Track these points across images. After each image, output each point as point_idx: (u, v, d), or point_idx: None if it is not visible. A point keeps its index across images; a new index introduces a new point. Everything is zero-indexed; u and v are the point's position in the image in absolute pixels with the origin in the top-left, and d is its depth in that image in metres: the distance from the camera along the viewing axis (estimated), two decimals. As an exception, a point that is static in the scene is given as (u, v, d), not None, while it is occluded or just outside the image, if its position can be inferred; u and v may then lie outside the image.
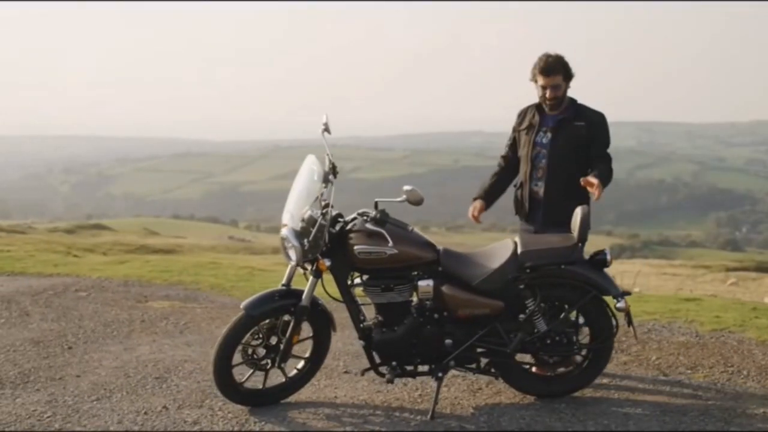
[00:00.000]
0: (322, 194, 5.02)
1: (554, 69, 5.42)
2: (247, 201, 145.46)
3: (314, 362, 5.33)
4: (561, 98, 5.49)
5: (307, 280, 5.19)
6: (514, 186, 5.78)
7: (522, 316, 5.08)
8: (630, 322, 5.10)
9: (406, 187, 4.94)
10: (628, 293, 5.14)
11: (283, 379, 5.25)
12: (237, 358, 5.13)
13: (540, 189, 5.57)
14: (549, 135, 5.54)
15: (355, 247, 4.98)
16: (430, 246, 5.10)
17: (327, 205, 4.96)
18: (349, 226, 5.08)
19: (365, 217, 5.05)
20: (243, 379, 5.20)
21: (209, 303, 8.94)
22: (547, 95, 5.46)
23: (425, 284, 5.03)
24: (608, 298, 5.16)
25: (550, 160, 5.51)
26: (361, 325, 5.12)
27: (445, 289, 5.01)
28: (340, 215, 5.12)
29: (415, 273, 5.07)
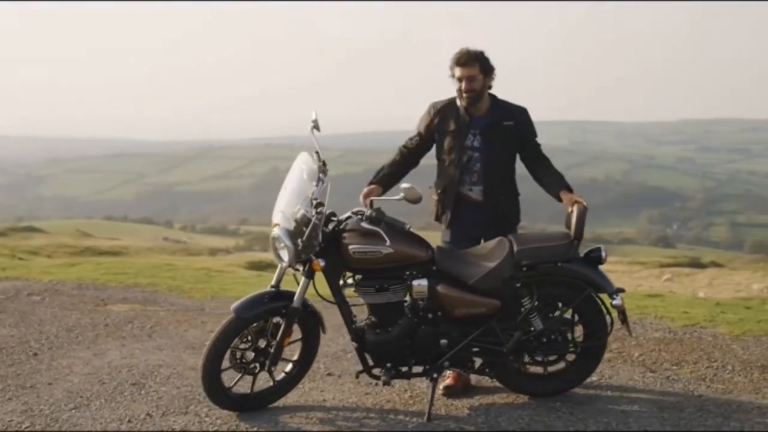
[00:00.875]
0: (313, 193, 4.86)
1: (470, 60, 5.25)
2: (182, 201, 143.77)
3: (303, 365, 5.18)
4: (478, 92, 5.29)
5: (297, 281, 5.02)
6: (434, 189, 5.54)
7: (518, 315, 5.00)
8: (625, 319, 5.06)
9: (404, 185, 4.81)
10: (623, 290, 5.09)
11: (271, 383, 5.09)
12: (225, 362, 4.96)
13: (474, 193, 5.39)
14: (480, 138, 5.36)
15: (350, 247, 4.84)
16: (425, 244, 4.99)
17: (320, 204, 4.81)
18: (342, 225, 4.95)
19: (360, 216, 4.92)
20: (231, 384, 5.02)
21: (170, 305, 8.72)
22: (463, 87, 5.27)
23: (420, 284, 4.92)
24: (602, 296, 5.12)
25: (486, 164, 5.34)
26: (354, 327, 4.99)
27: (440, 288, 4.91)
28: (333, 214, 4.97)
29: (410, 272, 4.95)
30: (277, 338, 4.92)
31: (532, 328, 5.02)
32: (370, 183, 5.44)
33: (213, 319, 7.83)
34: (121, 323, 7.60)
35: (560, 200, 5.22)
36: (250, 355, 4.98)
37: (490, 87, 5.41)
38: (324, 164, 4.93)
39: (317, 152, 4.97)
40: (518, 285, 4.96)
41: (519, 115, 5.43)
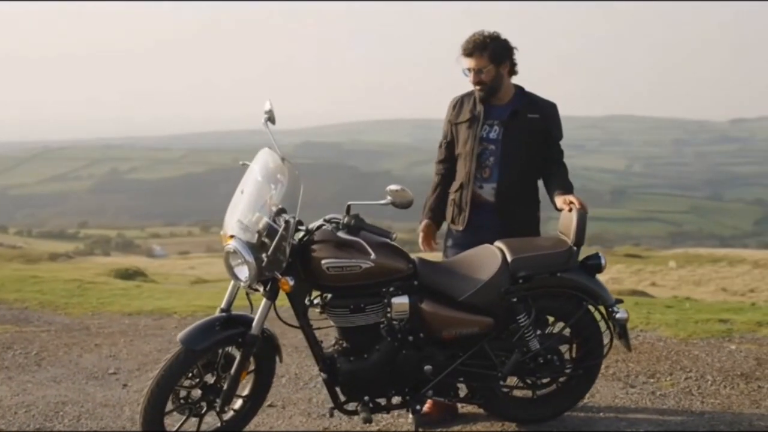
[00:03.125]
0: (271, 197, 4.02)
1: (476, 49, 4.59)
2: (17, 205, 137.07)
3: (255, 401, 4.32)
4: (489, 85, 4.64)
5: (251, 302, 4.19)
6: (450, 189, 4.90)
7: (513, 333, 4.34)
8: (625, 334, 4.48)
9: (392, 187, 4.01)
10: (621, 301, 4.52)
11: (219, 424, 4.21)
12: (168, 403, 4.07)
13: (485, 192, 4.73)
14: (498, 129, 4.70)
15: (323, 261, 4.02)
16: (405, 256, 4.23)
17: (282, 211, 3.95)
18: (310, 236, 4.12)
19: (335, 224, 4.10)
20: (174, 430, 4.14)
21: (48, 325, 7.63)
22: (471, 80, 4.67)
23: (400, 302, 4.14)
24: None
25: (502, 158, 4.68)
26: (322, 355, 4.20)
27: (425, 306, 4.16)
28: (300, 222, 4.11)
29: (386, 289, 4.16)
30: (232, 372, 4.06)
31: (529, 349, 4.36)
32: (423, 220, 4.95)
33: (107, 340, 6.85)
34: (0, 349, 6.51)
35: (556, 207, 4.60)
36: (197, 393, 4.12)
37: (513, 73, 4.73)
38: (284, 161, 4.09)
39: (274, 148, 4.14)
40: (514, 300, 4.29)
41: (547, 109, 4.77)
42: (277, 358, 4.31)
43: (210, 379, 4.13)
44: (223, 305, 4.16)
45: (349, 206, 4.05)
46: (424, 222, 4.93)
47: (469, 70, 4.63)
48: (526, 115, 4.69)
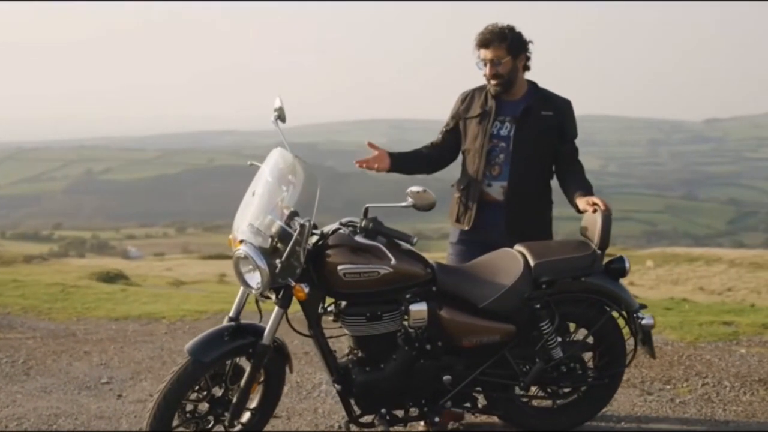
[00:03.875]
0: (282, 199, 3.78)
1: (494, 39, 4.40)
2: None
3: (264, 413, 4.09)
4: (506, 78, 4.44)
5: (259, 311, 3.97)
6: (456, 186, 4.69)
7: (535, 341, 4.14)
8: (649, 340, 4.30)
9: (414, 188, 3.78)
10: (645, 306, 4.33)
11: (226, 439, 3.99)
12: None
13: (494, 190, 4.52)
14: (510, 126, 4.49)
15: (339, 267, 3.78)
16: (423, 260, 4.01)
17: (294, 214, 3.72)
18: (324, 240, 3.88)
19: (352, 227, 3.87)
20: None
21: (32, 331, 7.34)
22: (487, 72, 4.45)
23: (419, 309, 3.91)
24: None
25: (513, 156, 4.47)
26: (336, 365, 3.98)
27: (444, 313, 3.95)
28: (314, 226, 3.84)
29: (405, 295, 3.94)
30: (242, 384, 3.83)
31: (553, 357, 4.17)
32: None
33: (96, 347, 6.60)
34: (-16, 358, 6.24)
35: (577, 209, 4.39)
36: (204, 406, 3.89)
37: (527, 69, 4.53)
38: (298, 162, 3.84)
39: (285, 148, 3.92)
40: (537, 306, 4.09)
41: (561, 106, 4.56)
42: (288, 369, 4.09)
43: (218, 391, 3.90)
44: (231, 314, 3.92)
45: (366, 209, 3.82)
46: (385, 153, 4.56)
47: (484, 62, 4.44)
48: (539, 112, 4.49)
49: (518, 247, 4.21)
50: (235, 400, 3.84)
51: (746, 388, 5.19)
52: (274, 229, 3.68)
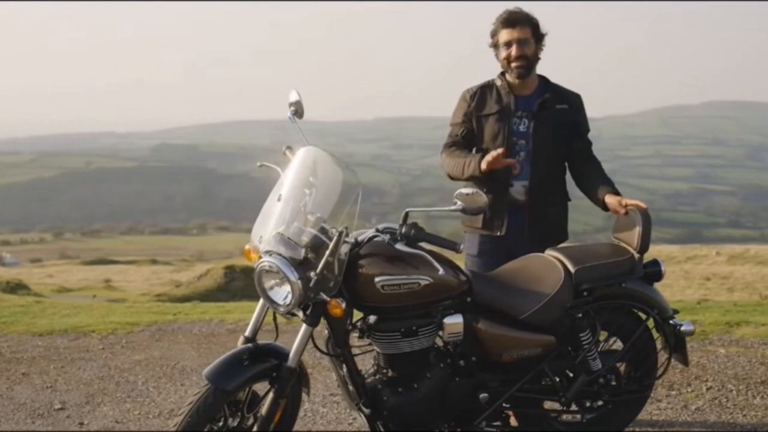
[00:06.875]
0: (305, 204, 3.34)
1: (521, 20, 4.17)
2: None
3: (279, 440, 3.66)
4: (530, 61, 4.20)
5: (276, 329, 3.52)
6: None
7: (575, 353, 3.82)
8: (683, 348, 4.05)
9: (464, 191, 3.30)
10: (677, 311, 4.07)
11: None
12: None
13: (515, 190, 4.25)
14: (527, 122, 4.23)
15: (377, 279, 3.34)
16: (459, 270, 3.61)
17: (321, 220, 3.28)
18: (357, 249, 3.41)
19: (391, 234, 3.41)
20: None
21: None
22: (513, 52, 4.16)
23: (454, 322, 3.51)
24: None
25: (533, 154, 4.22)
26: (365, 386, 3.57)
27: (482, 326, 3.56)
28: (346, 233, 3.32)
29: (439, 308, 3.54)
30: (263, 412, 3.37)
31: (591, 369, 3.85)
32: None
33: (33, 368, 5.99)
34: None
35: (604, 207, 4.12)
36: (222, 438, 3.42)
37: (538, 60, 4.25)
38: (340, 164, 3.39)
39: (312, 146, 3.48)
40: (579, 315, 3.77)
41: (574, 100, 4.33)
42: (305, 393, 3.65)
43: (234, 420, 3.44)
44: (247, 333, 3.44)
45: (406, 213, 3.36)
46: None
47: (508, 43, 4.16)
48: (554, 106, 4.26)
49: (551, 252, 3.89)
50: (257, 428, 3.38)
51: (753, 391, 5.01)
52: (306, 238, 3.23)
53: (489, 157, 4.00)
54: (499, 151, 4.01)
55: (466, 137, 4.38)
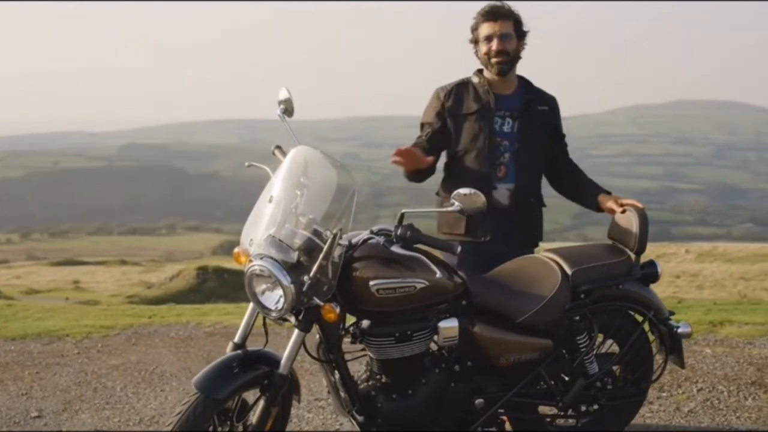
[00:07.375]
0: (296, 206, 3.23)
1: (504, 14, 4.01)
2: None
3: (268, 449, 3.54)
4: (512, 57, 4.04)
5: (266, 334, 3.40)
6: (443, 194, 4.19)
7: (572, 356, 3.74)
8: (680, 350, 3.98)
9: (462, 191, 3.20)
10: (673, 313, 4.01)
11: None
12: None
13: (499, 194, 4.06)
14: (511, 122, 4.08)
15: (372, 282, 3.23)
16: (455, 272, 3.52)
17: (313, 222, 3.18)
18: (350, 251, 3.29)
19: (385, 237, 3.31)
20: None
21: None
22: (494, 47, 3.98)
23: (449, 326, 3.42)
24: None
25: (520, 156, 4.07)
26: (358, 392, 3.47)
27: (478, 330, 3.46)
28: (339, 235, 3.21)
29: (433, 311, 3.44)
30: (255, 421, 3.26)
31: (588, 373, 3.77)
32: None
33: (7, 374, 5.86)
34: None
35: (597, 208, 4.04)
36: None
37: (519, 59, 4.11)
38: (334, 164, 3.30)
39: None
40: (576, 318, 3.69)
41: (552, 102, 4.22)
42: (295, 400, 3.54)
43: (223, 429, 3.32)
44: (236, 339, 3.32)
45: (402, 215, 3.26)
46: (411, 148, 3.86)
47: (489, 37, 4.00)
48: (537, 107, 4.13)
49: (547, 253, 3.81)
50: (247, 439, 3.26)
51: (744, 392, 4.97)
52: (298, 241, 3.12)
53: (397, 150, 3.71)
54: (408, 146, 3.80)
55: (431, 139, 4.12)
